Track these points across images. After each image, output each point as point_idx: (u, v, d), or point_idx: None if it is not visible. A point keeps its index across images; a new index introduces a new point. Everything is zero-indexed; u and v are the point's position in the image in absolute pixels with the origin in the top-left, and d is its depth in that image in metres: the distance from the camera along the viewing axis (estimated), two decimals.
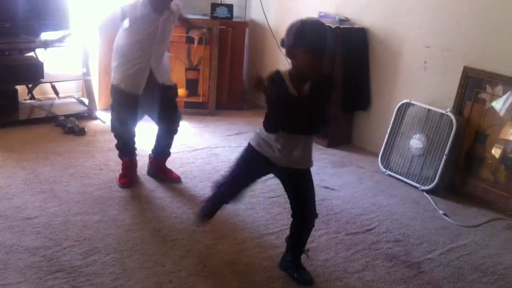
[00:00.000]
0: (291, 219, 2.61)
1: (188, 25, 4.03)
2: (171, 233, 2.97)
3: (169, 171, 3.68)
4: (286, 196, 3.50)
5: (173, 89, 3.53)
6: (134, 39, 3.31)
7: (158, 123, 3.57)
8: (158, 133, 3.62)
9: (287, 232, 3.06)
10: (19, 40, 4.47)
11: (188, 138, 4.44)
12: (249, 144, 2.53)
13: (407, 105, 4.01)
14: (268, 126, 2.44)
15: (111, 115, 3.50)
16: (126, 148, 3.56)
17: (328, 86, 2.46)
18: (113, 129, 3.52)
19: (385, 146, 4.10)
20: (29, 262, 2.59)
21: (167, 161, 3.69)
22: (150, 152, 3.68)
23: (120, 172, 3.59)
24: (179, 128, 3.63)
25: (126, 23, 3.31)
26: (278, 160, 2.46)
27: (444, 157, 3.72)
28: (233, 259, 2.77)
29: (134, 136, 3.55)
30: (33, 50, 4.67)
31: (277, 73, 2.35)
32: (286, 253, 2.72)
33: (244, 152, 2.57)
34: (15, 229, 2.88)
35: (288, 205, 3.38)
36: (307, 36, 2.26)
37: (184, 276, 2.59)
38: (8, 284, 2.42)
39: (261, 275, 2.67)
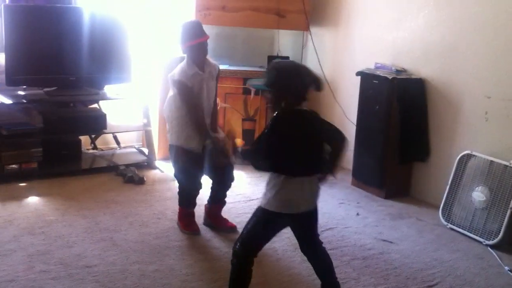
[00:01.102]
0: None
1: None
2: (228, 284, 2.95)
3: (225, 220, 3.68)
4: (343, 248, 3.47)
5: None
6: None
7: (211, 177, 3.61)
8: (212, 185, 3.65)
9: (346, 286, 2.99)
10: (84, 92, 4.65)
11: (244, 188, 4.46)
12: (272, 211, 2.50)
13: (468, 156, 3.90)
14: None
15: (175, 170, 3.57)
16: (190, 201, 3.60)
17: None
18: (179, 183, 3.59)
19: (446, 198, 3.98)
20: None
21: (223, 212, 3.71)
22: (206, 203, 3.71)
23: (180, 221, 3.63)
24: (232, 183, 3.65)
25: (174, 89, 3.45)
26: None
27: (509, 211, 3.56)
28: None
29: (199, 189, 3.59)
30: (96, 102, 4.86)
31: None
32: None
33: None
34: (74, 277, 2.93)
35: (345, 258, 3.34)
36: None
37: None
38: None
39: None
